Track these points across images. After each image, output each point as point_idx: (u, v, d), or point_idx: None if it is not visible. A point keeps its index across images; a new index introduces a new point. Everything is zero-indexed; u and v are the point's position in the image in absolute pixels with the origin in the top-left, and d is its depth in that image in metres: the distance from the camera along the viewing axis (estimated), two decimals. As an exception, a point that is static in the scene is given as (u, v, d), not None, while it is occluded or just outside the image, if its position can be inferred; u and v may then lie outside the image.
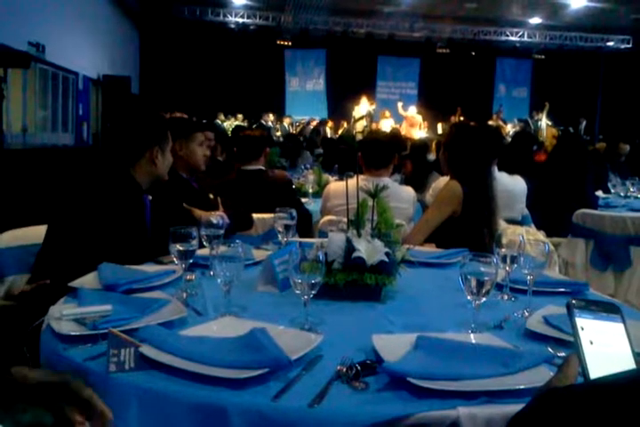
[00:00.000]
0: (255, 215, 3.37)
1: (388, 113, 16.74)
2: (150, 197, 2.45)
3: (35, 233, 2.41)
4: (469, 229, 2.82)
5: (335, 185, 3.82)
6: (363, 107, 16.72)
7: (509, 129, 16.12)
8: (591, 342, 0.78)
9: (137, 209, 2.38)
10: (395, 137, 7.27)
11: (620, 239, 4.07)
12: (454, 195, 2.87)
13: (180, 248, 1.81)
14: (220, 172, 4.84)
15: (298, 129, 15.66)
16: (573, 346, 0.79)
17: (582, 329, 0.79)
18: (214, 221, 2.15)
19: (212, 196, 3.24)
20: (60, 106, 12.40)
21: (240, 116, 16.86)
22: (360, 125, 15.69)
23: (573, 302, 0.83)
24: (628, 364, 0.77)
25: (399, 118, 16.91)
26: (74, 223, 2.23)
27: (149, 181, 2.45)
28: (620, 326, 0.81)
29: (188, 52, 18.01)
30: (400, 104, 17.28)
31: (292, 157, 7.15)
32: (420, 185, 5.18)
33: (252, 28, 18.80)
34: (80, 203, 2.29)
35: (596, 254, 4.15)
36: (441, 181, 3.66)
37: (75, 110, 13.03)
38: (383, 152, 3.51)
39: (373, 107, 17.08)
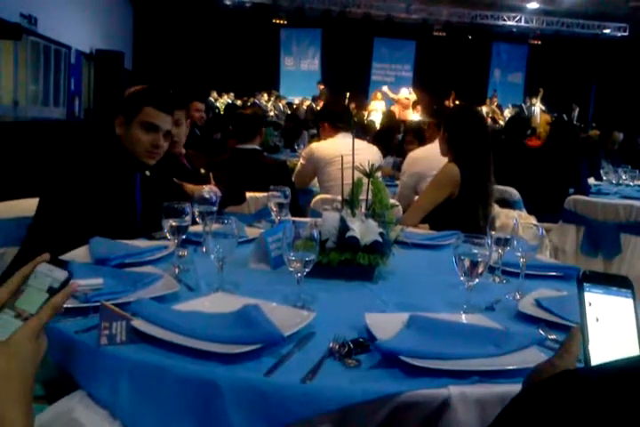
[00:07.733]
0: (248, 194, 3.35)
1: (379, 95, 16.62)
2: (148, 173, 2.43)
3: (25, 206, 2.39)
4: (465, 211, 2.82)
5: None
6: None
7: (506, 114, 16.09)
8: (597, 320, 0.76)
9: (126, 184, 2.36)
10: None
11: (610, 226, 4.10)
12: (452, 177, 2.86)
13: (173, 223, 1.80)
14: (215, 150, 4.81)
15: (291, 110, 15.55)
16: (580, 321, 0.77)
17: (590, 305, 0.77)
18: (207, 196, 2.14)
19: (203, 171, 3.20)
20: (52, 80, 12.25)
21: (232, 94, 16.69)
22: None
23: (587, 272, 0.79)
24: (632, 345, 0.75)
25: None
26: (64, 197, 2.20)
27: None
28: (630, 301, 0.78)
29: (183, 29, 17.76)
30: (385, 88, 17.09)
31: (293, 138, 7.13)
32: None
33: (247, 5, 18.54)
34: (70, 176, 2.26)
35: (586, 241, 4.18)
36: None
37: (67, 84, 12.88)
38: None
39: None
